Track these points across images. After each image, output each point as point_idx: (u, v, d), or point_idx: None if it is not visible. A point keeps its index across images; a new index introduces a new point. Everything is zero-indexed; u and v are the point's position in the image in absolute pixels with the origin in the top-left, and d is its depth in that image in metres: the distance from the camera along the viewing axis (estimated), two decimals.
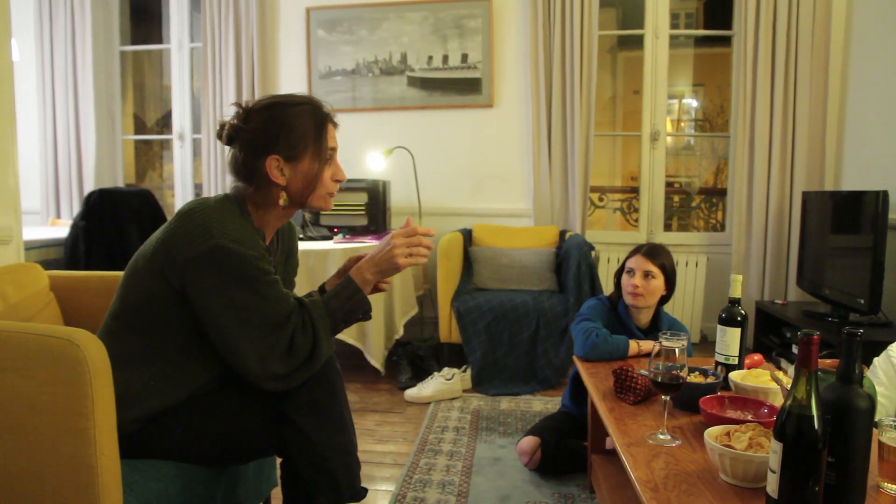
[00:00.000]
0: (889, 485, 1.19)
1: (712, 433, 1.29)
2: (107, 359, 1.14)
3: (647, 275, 2.22)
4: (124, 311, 1.38)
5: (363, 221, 3.93)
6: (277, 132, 1.39)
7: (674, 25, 5.32)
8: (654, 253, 2.26)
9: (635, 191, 4.47)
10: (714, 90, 6.76)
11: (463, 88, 4.26)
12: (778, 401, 1.56)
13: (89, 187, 4.50)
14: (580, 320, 2.24)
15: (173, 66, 4.76)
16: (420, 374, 3.41)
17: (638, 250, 2.29)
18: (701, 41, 6.35)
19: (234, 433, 1.42)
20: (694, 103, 7.27)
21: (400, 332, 3.56)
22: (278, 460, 1.48)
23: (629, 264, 2.28)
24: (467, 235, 3.95)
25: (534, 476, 2.33)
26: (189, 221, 1.31)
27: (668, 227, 4.68)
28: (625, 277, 2.28)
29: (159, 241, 1.33)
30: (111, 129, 4.86)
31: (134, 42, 5.05)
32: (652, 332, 2.29)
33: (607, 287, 3.66)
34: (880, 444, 1.21)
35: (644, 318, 2.32)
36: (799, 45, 3.82)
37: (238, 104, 1.44)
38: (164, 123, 5.68)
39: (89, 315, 1.81)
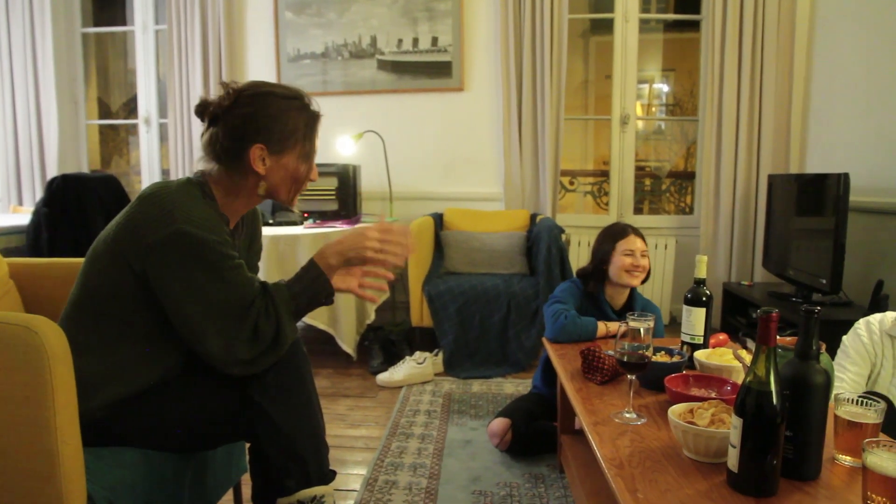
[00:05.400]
0: (844, 457, 1.23)
1: (676, 411, 1.31)
2: (66, 346, 1.12)
3: (643, 254, 2.30)
4: (85, 297, 1.35)
5: (333, 206, 3.90)
6: (268, 122, 1.38)
7: (645, 10, 5.33)
8: (639, 232, 2.35)
9: (606, 174, 4.50)
10: (685, 75, 6.81)
11: (433, 72, 4.23)
12: (741, 378, 1.59)
13: (52, 173, 4.39)
14: (552, 302, 2.26)
15: (138, 49, 4.66)
16: (392, 359, 3.41)
17: (624, 232, 2.33)
18: (672, 26, 6.38)
19: (200, 419, 1.40)
20: (665, 88, 7.31)
21: (371, 317, 3.56)
22: (247, 446, 1.48)
23: (626, 246, 2.29)
24: (438, 220, 3.95)
25: (505, 457, 2.35)
26: (150, 205, 1.28)
27: (639, 211, 4.73)
28: (621, 259, 2.28)
29: (120, 226, 1.30)
30: (74, 114, 4.75)
31: (97, 24, 4.92)
32: (626, 313, 2.32)
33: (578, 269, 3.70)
34: (836, 417, 1.25)
35: (620, 299, 2.35)
36: (765, 31, 3.87)
37: (226, 84, 1.41)
38: (131, 108, 5.56)
39: (51, 303, 1.77)
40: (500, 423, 2.36)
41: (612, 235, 2.34)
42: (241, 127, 1.37)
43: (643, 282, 2.35)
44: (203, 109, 1.41)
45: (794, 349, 1.17)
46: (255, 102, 1.38)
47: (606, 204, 4.50)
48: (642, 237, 2.34)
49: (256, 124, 1.37)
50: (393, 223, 1.49)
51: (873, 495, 1.00)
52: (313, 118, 1.46)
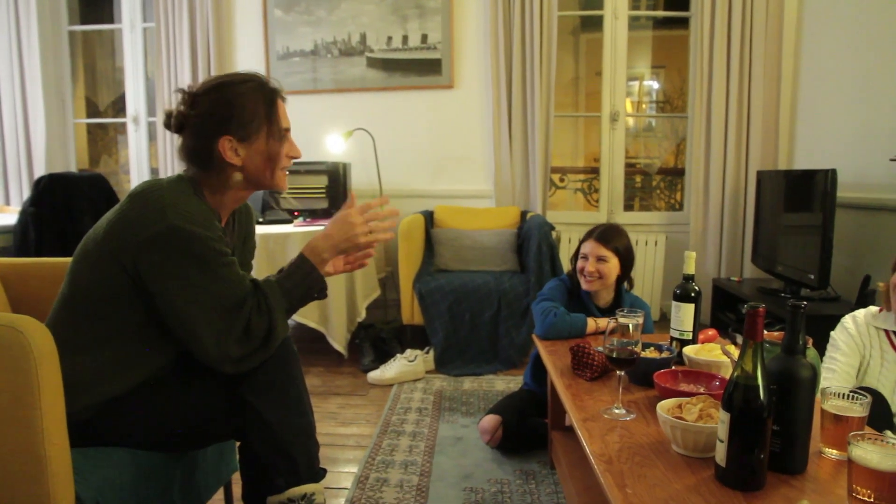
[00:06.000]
0: (830, 450, 1.24)
1: (665, 406, 1.32)
2: (53, 346, 1.11)
3: (599, 259, 2.25)
4: (75, 296, 1.35)
5: (324, 204, 3.90)
6: (227, 112, 1.37)
7: (635, 7, 5.34)
8: (607, 237, 2.27)
9: (596, 171, 4.51)
10: (675, 72, 6.83)
11: (423, 69, 4.23)
12: (729, 374, 1.60)
13: (39, 172, 4.36)
14: (540, 300, 2.27)
15: (126, 48, 4.62)
16: (383, 357, 3.41)
17: (591, 234, 2.30)
18: (662, 23, 6.39)
19: (190, 418, 1.40)
20: (655, 85, 7.33)
21: (362, 315, 3.55)
22: (237, 444, 1.47)
23: (583, 249, 2.29)
24: (429, 217, 3.95)
25: (496, 454, 2.36)
26: (142, 202, 1.28)
27: (630, 207, 4.74)
28: (580, 262, 2.30)
29: (111, 224, 1.30)
30: (61, 113, 4.72)
31: (83, 22, 4.88)
32: (613, 312, 2.32)
33: (568, 267, 3.71)
34: (822, 411, 1.26)
35: (604, 298, 2.35)
36: (753, 28, 3.88)
37: (182, 90, 1.40)
38: (120, 107, 5.52)
39: (39, 303, 1.75)
40: (490, 420, 2.36)
41: (584, 237, 2.33)
42: (203, 125, 1.37)
43: (620, 283, 2.34)
44: (168, 121, 1.40)
45: (781, 344, 1.18)
46: (210, 98, 1.37)
47: (597, 201, 4.51)
48: (611, 243, 2.25)
49: (217, 118, 1.36)
50: (369, 202, 1.49)
51: (858, 488, 1.01)
52: (272, 95, 1.43)
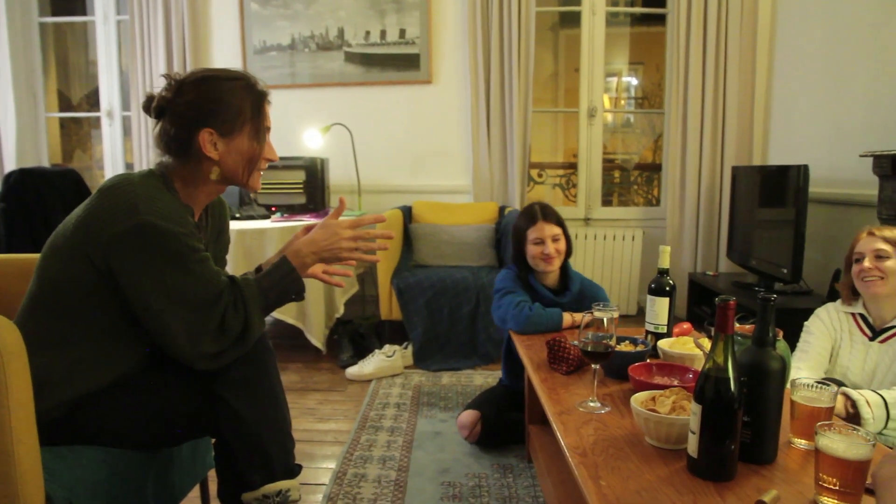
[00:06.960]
0: (799, 440, 1.26)
1: (638, 399, 1.33)
2: (21, 343, 1.09)
3: (555, 239, 2.27)
4: (43, 293, 1.32)
5: (301, 200, 3.87)
6: (213, 106, 1.36)
7: (613, 3, 5.36)
8: (549, 214, 2.31)
9: (574, 167, 4.54)
10: (653, 69, 6.88)
11: (401, 64, 4.22)
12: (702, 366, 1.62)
13: (10, 167, 4.28)
14: (504, 293, 2.26)
15: (99, 40, 4.55)
16: (361, 352, 3.40)
17: (533, 219, 2.30)
18: (640, 20, 6.42)
19: (164, 415, 1.38)
20: (634, 81, 7.38)
21: (340, 311, 3.54)
22: (213, 441, 1.46)
23: (533, 234, 2.28)
24: (407, 212, 3.94)
25: (474, 449, 2.36)
26: (113, 197, 1.26)
27: (608, 203, 4.77)
28: (532, 248, 2.29)
29: (80, 219, 1.28)
30: (33, 106, 4.63)
31: (55, 13, 4.79)
32: (563, 291, 2.33)
33: None
34: (792, 402, 1.28)
35: (552, 279, 2.36)
36: (728, 26, 3.93)
37: (168, 75, 1.39)
38: (93, 101, 5.43)
39: (9, 300, 1.72)
40: (469, 415, 2.37)
41: (523, 223, 2.33)
42: (186, 115, 1.35)
43: (567, 258, 2.36)
44: (149, 104, 1.39)
45: (752, 336, 1.20)
46: (197, 88, 1.36)
47: (575, 196, 4.54)
48: (555, 219, 2.30)
49: (201, 109, 1.35)
50: (362, 216, 1.49)
51: (824, 476, 1.03)
52: (260, 96, 1.43)
